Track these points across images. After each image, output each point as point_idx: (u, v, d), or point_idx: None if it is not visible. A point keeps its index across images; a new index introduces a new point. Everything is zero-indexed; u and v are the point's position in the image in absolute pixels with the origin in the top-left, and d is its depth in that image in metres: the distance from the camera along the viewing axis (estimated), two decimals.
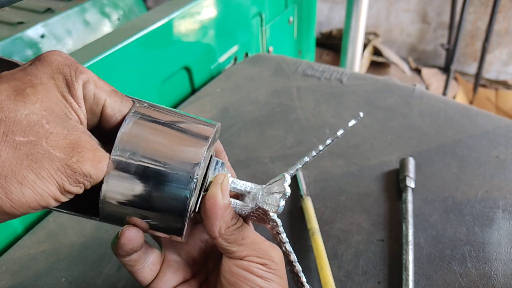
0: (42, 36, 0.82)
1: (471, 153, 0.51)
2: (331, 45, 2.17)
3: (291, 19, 0.98)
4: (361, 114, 0.35)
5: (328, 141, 0.32)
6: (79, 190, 0.22)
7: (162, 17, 0.61)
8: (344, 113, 0.60)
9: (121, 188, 0.24)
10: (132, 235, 0.25)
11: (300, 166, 0.32)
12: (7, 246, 0.46)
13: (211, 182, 0.28)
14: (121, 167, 0.24)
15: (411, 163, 0.48)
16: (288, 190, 0.28)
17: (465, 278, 0.38)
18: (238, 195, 0.32)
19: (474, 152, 0.52)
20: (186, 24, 0.66)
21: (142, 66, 0.60)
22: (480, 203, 0.45)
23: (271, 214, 0.29)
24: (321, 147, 0.32)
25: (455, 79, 2.05)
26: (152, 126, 0.25)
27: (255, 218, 0.31)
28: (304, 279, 0.31)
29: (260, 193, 0.30)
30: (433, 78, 2.04)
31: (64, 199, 0.22)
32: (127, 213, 0.25)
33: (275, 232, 0.31)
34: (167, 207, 0.25)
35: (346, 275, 0.39)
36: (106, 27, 0.96)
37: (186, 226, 0.26)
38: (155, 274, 0.29)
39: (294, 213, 0.46)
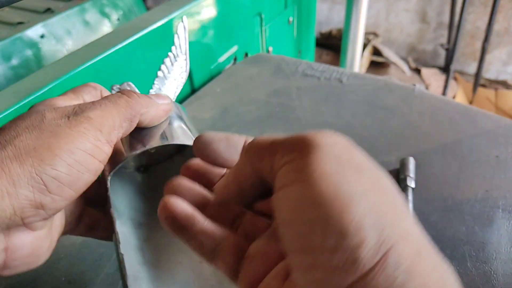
0: (42, 36, 0.82)
1: (471, 152, 0.51)
2: (331, 45, 2.17)
3: (290, 19, 0.98)
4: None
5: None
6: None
7: (162, 17, 0.61)
8: (344, 113, 0.60)
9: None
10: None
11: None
12: None
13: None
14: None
15: (411, 163, 0.48)
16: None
17: (465, 277, 0.38)
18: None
19: (474, 151, 0.52)
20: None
21: (142, 66, 0.60)
22: (480, 202, 0.45)
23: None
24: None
25: (455, 79, 2.05)
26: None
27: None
28: None
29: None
30: (433, 78, 2.04)
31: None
32: None
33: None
34: None
35: None
36: (106, 27, 0.96)
37: None
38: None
39: None
